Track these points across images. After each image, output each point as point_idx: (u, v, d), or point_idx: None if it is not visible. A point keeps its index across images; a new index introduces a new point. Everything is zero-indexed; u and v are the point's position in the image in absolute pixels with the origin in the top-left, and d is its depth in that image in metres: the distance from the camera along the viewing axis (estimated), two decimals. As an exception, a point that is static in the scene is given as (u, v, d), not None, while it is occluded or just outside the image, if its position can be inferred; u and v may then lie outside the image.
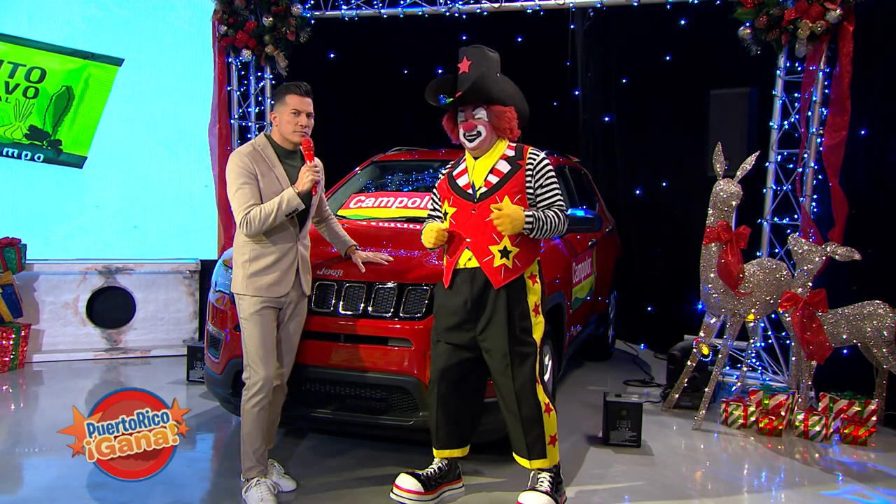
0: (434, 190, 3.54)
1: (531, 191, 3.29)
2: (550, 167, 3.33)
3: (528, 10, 6.21)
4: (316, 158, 3.45)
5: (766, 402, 4.65)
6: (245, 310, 3.35)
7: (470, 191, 3.32)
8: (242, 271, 3.35)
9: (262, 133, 3.46)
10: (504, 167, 3.30)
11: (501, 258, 3.24)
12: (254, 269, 3.33)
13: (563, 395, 5.15)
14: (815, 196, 5.23)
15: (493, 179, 3.29)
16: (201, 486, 3.74)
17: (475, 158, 3.37)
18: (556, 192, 3.31)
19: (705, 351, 4.85)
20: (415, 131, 7.18)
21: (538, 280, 3.37)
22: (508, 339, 3.24)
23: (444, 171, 3.52)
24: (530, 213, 3.21)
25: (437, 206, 3.51)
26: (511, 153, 3.33)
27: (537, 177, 3.29)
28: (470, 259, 3.28)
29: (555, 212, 3.27)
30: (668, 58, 6.45)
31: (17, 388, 5.26)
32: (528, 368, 3.27)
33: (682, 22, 6.11)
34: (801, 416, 4.55)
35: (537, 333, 3.32)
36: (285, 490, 3.52)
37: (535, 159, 3.31)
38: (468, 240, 3.28)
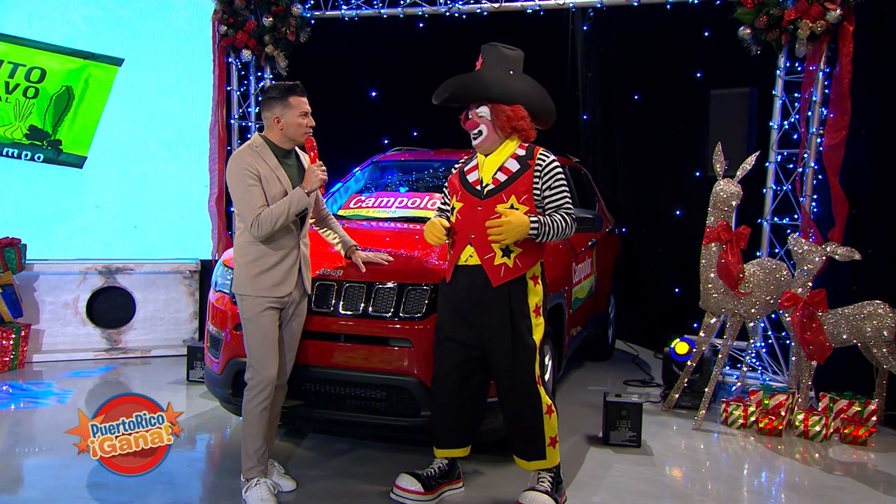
0: (445, 184, 3.55)
1: (538, 192, 3.28)
2: (560, 170, 3.32)
3: (528, 10, 6.22)
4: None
5: (766, 402, 4.65)
6: (248, 310, 3.35)
7: (478, 187, 3.32)
8: (246, 272, 3.34)
9: (257, 134, 3.46)
10: (513, 166, 3.30)
11: (502, 256, 3.24)
12: (258, 270, 3.32)
13: (563, 395, 5.15)
14: (815, 196, 5.23)
15: (502, 177, 3.29)
16: (201, 486, 3.75)
17: (485, 155, 3.37)
18: (565, 195, 3.30)
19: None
20: (415, 131, 7.19)
21: (540, 282, 3.36)
22: (508, 338, 3.24)
23: (457, 166, 3.53)
24: (535, 218, 3.19)
25: (447, 201, 3.51)
26: (522, 153, 3.33)
27: (545, 178, 3.28)
28: (471, 256, 3.28)
29: (562, 216, 3.26)
30: (668, 58, 6.45)
31: (17, 388, 5.26)
32: (529, 369, 3.27)
33: (683, 22, 6.11)
34: (801, 416, 4.55)
35: (537, 335, 3.31)
36: (285, 490, 3.52)
37: (544, 161, 3.30)
38: (472, 236, 3.28)
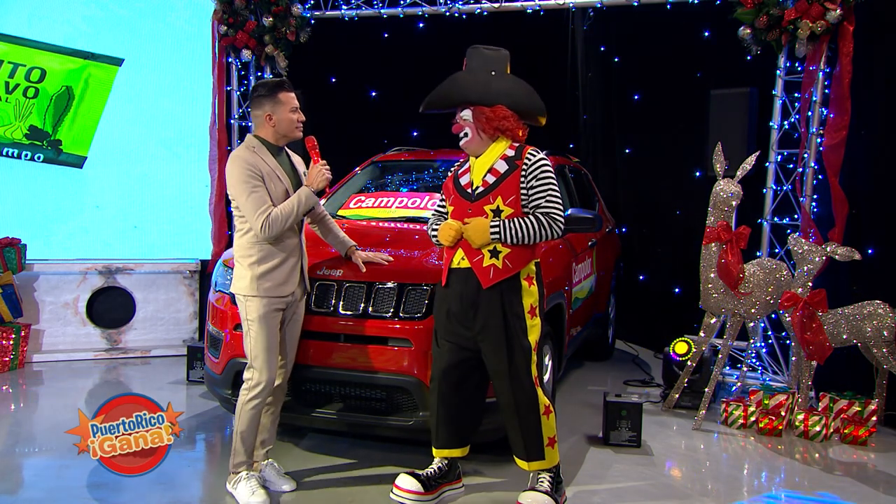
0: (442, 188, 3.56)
1: (525, 192, 3.27)
2: (547, 167, 3.29)
3: (528, 10, 6.22)
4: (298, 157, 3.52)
5: (766, 402, 4.65)
6: (253, 311, 3.33)
7: (469, 190, 3.33)
8: (250, 273, 3.32)
9: (251, 134, 3.45)
10: (502, 167, 3.29)
11: (491, 258, 3.23)
12: (262, 270, 3.31)
13: (563, 395, 5.15)
14: (815, 196, 5.23)
15: (490, 179, 3.29)
16: (201, 486, 3.75)
17: (475, 157, 3.38)
18: (548, 192, 3.25)
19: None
20: (415, 131, 7.20)
21: (535, 282, 3.33)
22: (503, 340, 3.24)
23: (451, 170, 3.54)
24: (496, 222, 3.20)
25: (444, 204, 3.52)
26: (511, 153, 3.32)
27: (529, 176, 3.26)
28: (462, 259, 3.29)
29: (537, 216, 3.22)
30: (668, 58, 6.44)
31: (17, 388, 5.26)
32: (525, 370, 3.26)
33: (683, 22, 6.11)
34: (801, 416, 4.55)
35: (533, 336, 3.29)
36: (285, 490, 3.52)
37: (531, 158, 3.28)
38: (461, 238, 3.29)
